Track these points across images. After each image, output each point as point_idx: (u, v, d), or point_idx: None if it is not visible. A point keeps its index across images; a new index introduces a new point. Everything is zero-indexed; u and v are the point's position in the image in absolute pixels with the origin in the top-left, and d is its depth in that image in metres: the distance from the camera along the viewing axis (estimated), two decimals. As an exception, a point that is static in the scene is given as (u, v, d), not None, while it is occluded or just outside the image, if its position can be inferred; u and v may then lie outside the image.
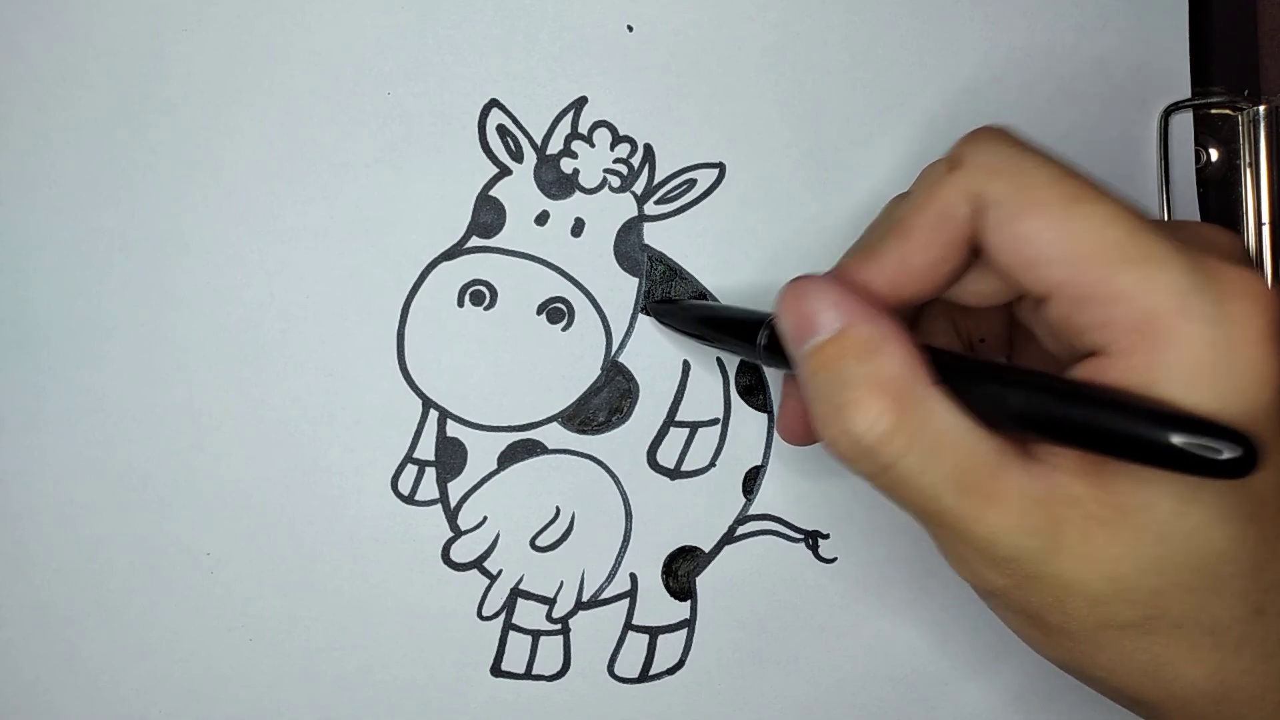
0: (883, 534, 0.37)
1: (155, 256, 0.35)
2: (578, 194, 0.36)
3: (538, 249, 0.36)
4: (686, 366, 0.36)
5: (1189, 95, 0.38)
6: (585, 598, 0.36)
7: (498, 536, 0.36)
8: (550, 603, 0.36)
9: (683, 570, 0.36)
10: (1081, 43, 0.37)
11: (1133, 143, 0.38)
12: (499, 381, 0.36)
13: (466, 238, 0.36)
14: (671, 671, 0.36)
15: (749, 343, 0.31)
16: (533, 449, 0.36)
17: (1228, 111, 0.38)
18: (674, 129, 0.36)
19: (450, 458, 0.36)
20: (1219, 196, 0.38)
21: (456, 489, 0.36)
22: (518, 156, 0.36)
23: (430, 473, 0.36)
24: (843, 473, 0.36)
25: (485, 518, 0.36)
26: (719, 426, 0.36)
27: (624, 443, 0.36)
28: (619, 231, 0.36)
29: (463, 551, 0.36)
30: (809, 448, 0.36)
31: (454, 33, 0.36)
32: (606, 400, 0.36)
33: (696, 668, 0.36)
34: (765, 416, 0.37)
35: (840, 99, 0.37)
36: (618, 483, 0.36)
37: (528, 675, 0.36)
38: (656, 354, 0.36)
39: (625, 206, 0.36)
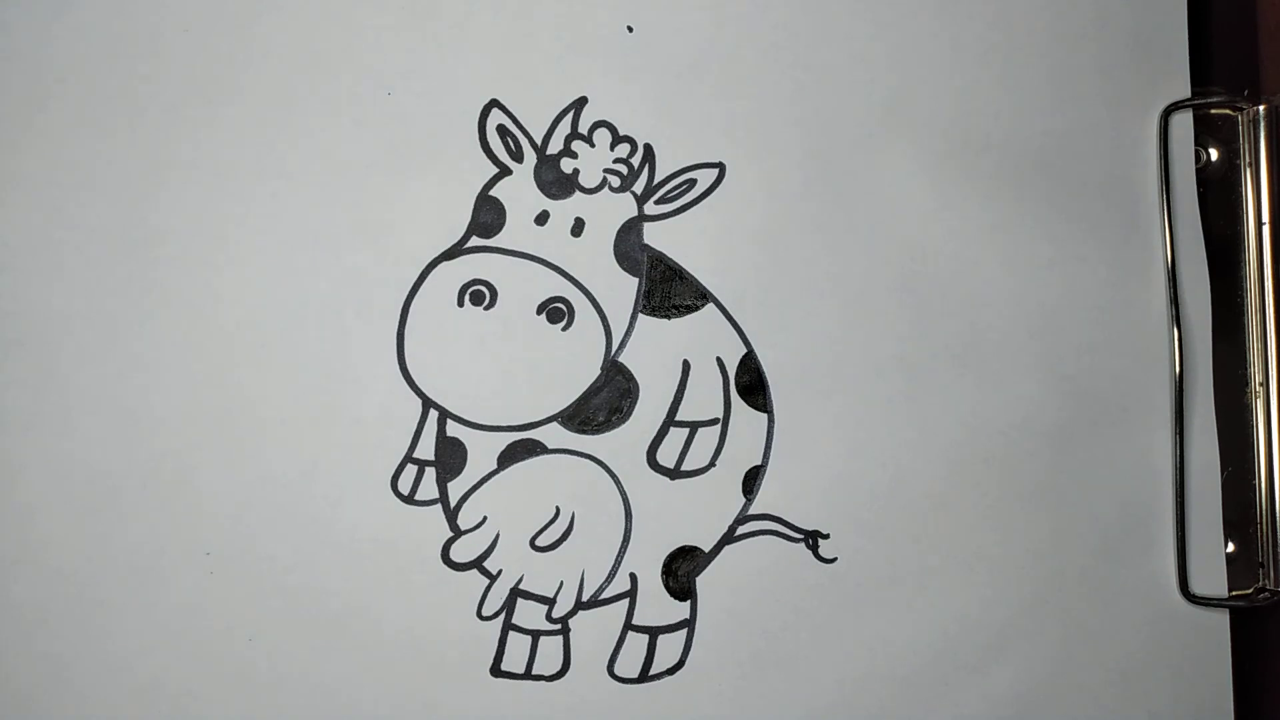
0: (883, 534, 0.37)
1: (155, 256, 0.35)
2: (578, 194, 0.36)
3: (538, 249, 0.36)
4: (686, 366, 0.36)
5: (1189, 95, 0.38)
6: (585, 598, 0.36)
7: (497, 536, 0.36)
8: (550, 603, 0.36)
9: (683, 570, 0.36)
10: (1081, 43, 0.37)
11: (1133, 143, 0.38)
12: (499, 381, 0.36)
13: (466, 237, 0.36)
14: (671, 671, 0.36)
15: None
16: (533, 449, 0.36)
17: (1228, 111, 0.38)
18: (674, 129, 0.36)
19: (450, 458, 0.36)
20: (1219, 196, 0.38)
21: (456, 489, 0.36)
22: (518, 156, 0.36)
23: (430, 473, 0.36)
24: (843, 473, 0.36)
25: (485, 517, 0.36)
26: (719, 426, 0.36)
27: (624, 443, 0.36)
28: (619, 231, 0.36)
29: (463, 551, 0.36)
30: (808, 447, 0.36)
31: (454, 33, 0.36)
32: (606, 400, 0.36)
33: (696, 668, 0.36)
34: (765, 416, 0.37)
35: (841, 99, 0.37)
36: (618, 483, 0.36)
37: (528, 675, 0.36)
38: (656, 354, 0.36)
39: (625, 206, 0.36)
